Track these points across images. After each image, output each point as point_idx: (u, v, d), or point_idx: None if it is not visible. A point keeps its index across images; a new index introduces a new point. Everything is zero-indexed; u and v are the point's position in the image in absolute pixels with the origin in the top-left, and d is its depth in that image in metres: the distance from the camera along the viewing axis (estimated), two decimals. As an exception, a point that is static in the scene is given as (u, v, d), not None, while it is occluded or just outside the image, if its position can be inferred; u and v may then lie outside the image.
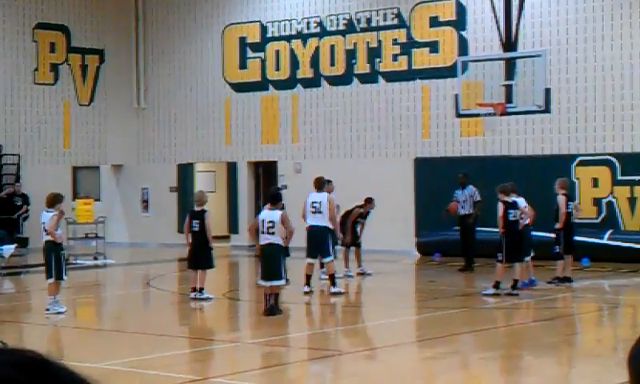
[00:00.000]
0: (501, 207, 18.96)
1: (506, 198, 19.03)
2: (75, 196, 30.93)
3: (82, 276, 21.84)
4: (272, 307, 16.39)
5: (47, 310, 17.02)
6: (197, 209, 18.71)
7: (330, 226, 19.63)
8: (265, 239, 16.54)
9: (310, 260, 19.71)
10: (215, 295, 18.89)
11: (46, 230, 17.11)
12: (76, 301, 19.88)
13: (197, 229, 18.43)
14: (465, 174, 23.79)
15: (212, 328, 17.21)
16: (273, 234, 16.44)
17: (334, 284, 19.41)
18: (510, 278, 18.73)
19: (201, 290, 18.52)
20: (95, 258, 26.94)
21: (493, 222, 19.82)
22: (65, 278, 17.43)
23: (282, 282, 16.68)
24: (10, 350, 1.61)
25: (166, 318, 17.81)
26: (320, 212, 19.57)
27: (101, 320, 18.51)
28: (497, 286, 18.77)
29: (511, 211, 18.92)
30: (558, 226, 20.38)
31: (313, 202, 19.74)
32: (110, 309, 20.09)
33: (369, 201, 23.15)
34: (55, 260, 17.09)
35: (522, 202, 19.81)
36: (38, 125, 32.12)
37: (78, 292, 20.70)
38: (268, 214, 16.65)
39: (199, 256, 18.52)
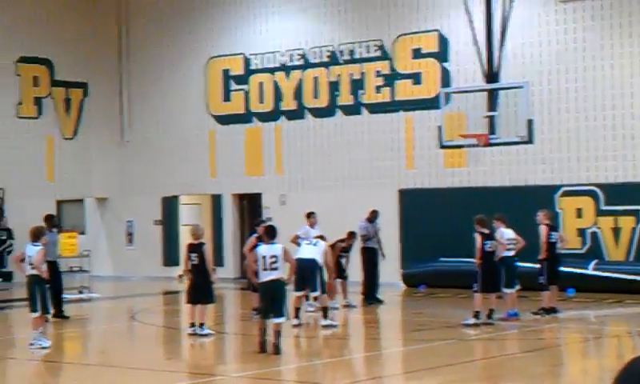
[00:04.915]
0: (478, 238, 19.19)
1: (483, 230, 19.25)
2: (60, 230, 30.77)
3: (66, 310, 21.74)
4: (277, 345, 15.74)
5: (31, 344, 16.94)
6: (194, 242, 18.44)
7: (320, 260, 19.64)
8: (268, 275, 15.83)
9: (297, 293, 19.69)
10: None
11: (31, 264, 17.06)
12: (61, 335, 19.79)
13: (196, 262, 18.12)
14: (374, 210, 23.92)
15: (198, 362, 17.13)
16: (276, 269, 15.80)
17: (325, 316, 19.40)
18: (487, 308, 19.05)
19: (201, 325, 18.07)
20: (80, 292, 26.79)
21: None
22: (50, 311, 17.36)
23: (285, 319, 16.06)
24: None
25: (152, 352, 17.74)
26: (314, 245, 19.69)
27: (86, 354, 18.42)
28: (477, 315, 18.93)
29: (487, 242, 19.17)
30: (540, 256, 20.49)
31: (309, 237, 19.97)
32: (94, 343, 20.00)
33: (351, 235, 23.18)
34: (40, 294, 17.04)
35: (510, 233, 19.93)
36: (21, 158, 32.04)
37: (62, 326, 20.61)
38: (269, 249, 15.93)
39: (200, 290, 18.10)
